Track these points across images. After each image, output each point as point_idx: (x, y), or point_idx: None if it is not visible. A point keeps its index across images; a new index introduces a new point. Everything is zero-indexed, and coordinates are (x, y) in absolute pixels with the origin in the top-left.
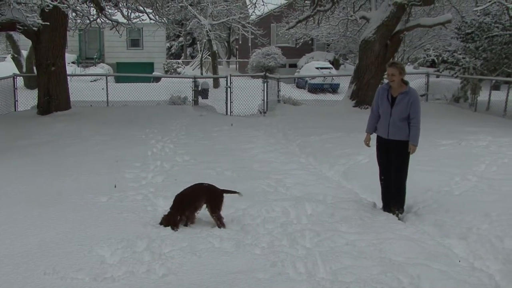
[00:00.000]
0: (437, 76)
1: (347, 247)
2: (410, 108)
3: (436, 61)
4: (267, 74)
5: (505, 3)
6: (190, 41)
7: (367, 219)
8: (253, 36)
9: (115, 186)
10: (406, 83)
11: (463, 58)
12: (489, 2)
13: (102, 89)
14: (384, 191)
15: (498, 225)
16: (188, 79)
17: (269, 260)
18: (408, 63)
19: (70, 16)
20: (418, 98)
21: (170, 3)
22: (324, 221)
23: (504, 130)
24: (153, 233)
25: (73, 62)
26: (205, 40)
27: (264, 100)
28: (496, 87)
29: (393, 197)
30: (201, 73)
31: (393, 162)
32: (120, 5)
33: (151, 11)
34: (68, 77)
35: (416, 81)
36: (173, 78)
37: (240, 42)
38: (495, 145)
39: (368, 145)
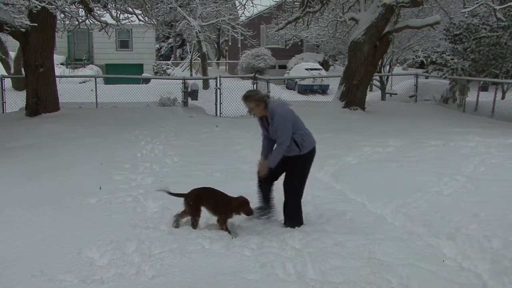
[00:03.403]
0: (426, 77)
1: (336, 248)
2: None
3: (425, 62)
4: (257, 75)
5: (492, 4)
6: (180, 42)
7: (356, 220)
8: (242, 38)
9: (100, 188)
10: (267, 107)
11: (452, 59)
12: (477, 3)
13: (91, 90)
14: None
15: (486, 225)
16: (178, 80)
17: (258, 261)
18: (398, 64)
19: (59, 17)
20: (282, 119)
21: (159, 4)
22: (313, 222)
23: (492, 131)
24: (143, 234)
25: (61, 64)
26: (194, 42)
27: None
28: (484, 88)
29: (285, 211)
30: (191, 75)
31: (287, 175)
32: (109, 6)
33: (140, 12)
34: (56, 78)
35: (405, 82)
36: (162, 80)
37: (230, 44)
38: (483, 146)
39: (265, 175)
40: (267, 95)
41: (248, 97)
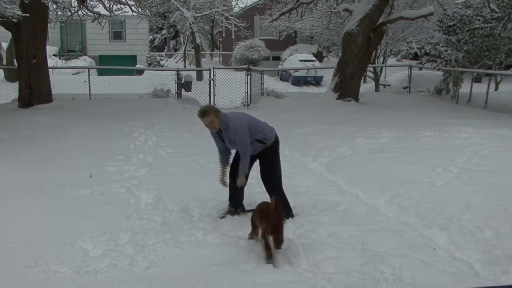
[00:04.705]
0: (420, 69)
1: (329, 239)
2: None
3: (419, 53)
4: (251, 66)
5: None
6: (173, 33)
7: (349, 211)
8: (236, 29)
9: (91, 176)
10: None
11: (445, 50)
12: None
13: (85, 82)
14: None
15: (478, 216)
16: (171, 71)
17: (252, 251)
18: (391, 56)
19: (51, 8)
20: (238, 128)
21: None
22: (307, 213)
23: (485, 122)
24: (136, 226)
25: (54, 55)
26: (188, 33)
27: (247, 93)
28: (477, 79)
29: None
30: (184, 66)
31: (262, 169)
32: None
33: (133, 3)
34: (49, 69)
35: (399, 74)
36: (156, 71)
37: (224, 35)
38: (476, 137)
39: (224, 183)
40: (219, 111)
41: (206, 112)
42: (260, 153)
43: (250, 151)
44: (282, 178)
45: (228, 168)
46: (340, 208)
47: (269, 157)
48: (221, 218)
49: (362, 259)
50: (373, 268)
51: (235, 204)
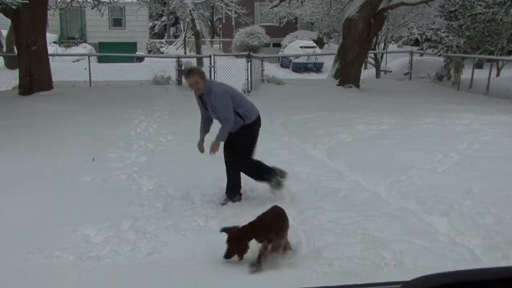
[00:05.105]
0: (421, 55)
1: (330, 225)
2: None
3: (420, 39)
4: (251, 53)
5: None
6: (173, 20)
7: (350, 197)
8: (236, 15)
9: (93, 159)
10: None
11: (447, 36)
12: None
13: (85, 69)
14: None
15: (479, 202)
16: (172, 58)
17: None
18: (392, 42)
19: None
20: (220, 93)
21: None
22: (308, 199)
23: (486, 108)
24: (138, 212)
25: (54, 42)
26: (188, 20)
27: (248, 80)
28: (479, 65)
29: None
30: (185, 53)
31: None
32: None
33: None
34: (50, 57)
35: (399, 60)
36: (156, 58)
37: (224, 22)
38: (477, 123)
39: (201, 149)
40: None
41: (191, 71)
42: (238, 131)
43: (232, 121)
44: (283, 164)
45: (206, 136)
46: (341, 194)
47: (242, 137)
48: (222, 204)
49: (363, 245)
50: (374, 253)
51: (231, 194)
